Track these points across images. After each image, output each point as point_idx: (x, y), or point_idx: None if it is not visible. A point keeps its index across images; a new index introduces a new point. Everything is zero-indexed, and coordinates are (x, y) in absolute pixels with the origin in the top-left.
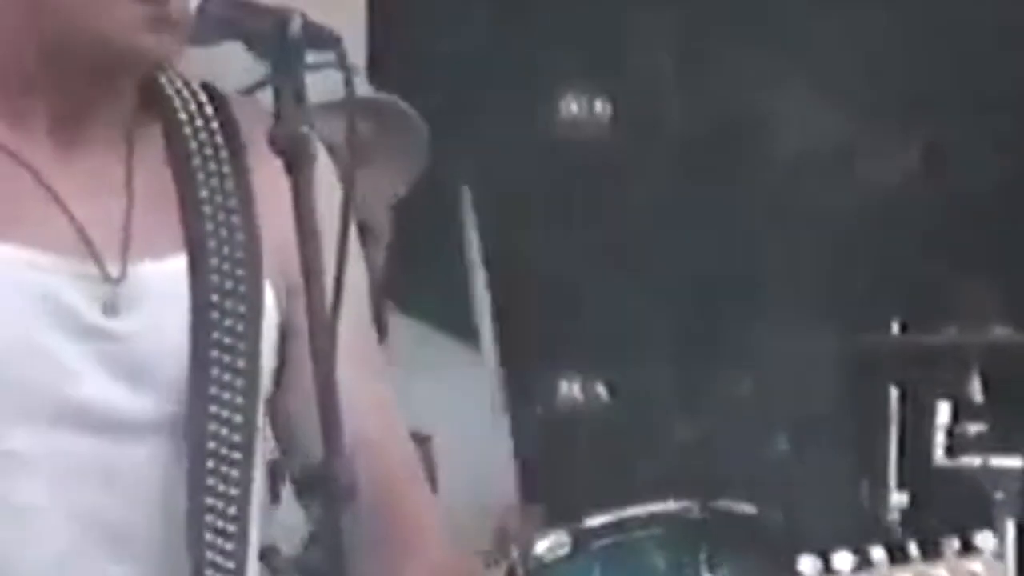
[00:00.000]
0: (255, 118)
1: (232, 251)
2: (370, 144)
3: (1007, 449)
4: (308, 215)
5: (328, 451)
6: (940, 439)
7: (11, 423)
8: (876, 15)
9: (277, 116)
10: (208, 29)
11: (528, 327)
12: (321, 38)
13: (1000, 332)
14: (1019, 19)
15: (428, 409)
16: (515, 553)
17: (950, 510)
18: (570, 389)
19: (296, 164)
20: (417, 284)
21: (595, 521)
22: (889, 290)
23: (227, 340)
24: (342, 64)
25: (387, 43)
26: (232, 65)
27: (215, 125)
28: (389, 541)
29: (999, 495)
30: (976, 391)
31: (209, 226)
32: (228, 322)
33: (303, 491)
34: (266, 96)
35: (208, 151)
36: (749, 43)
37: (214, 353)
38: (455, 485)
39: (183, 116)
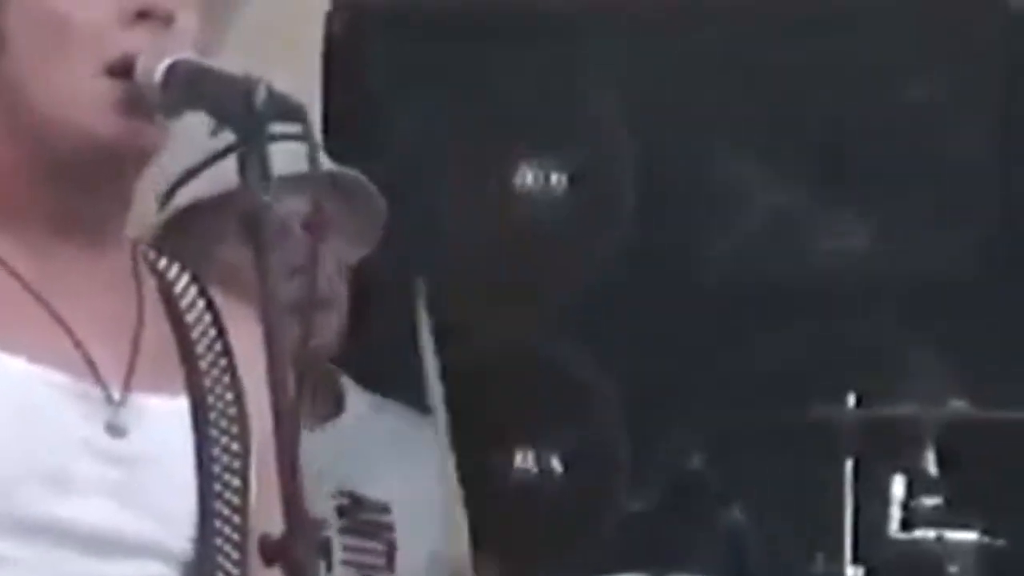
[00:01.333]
0: (232, 304)
1: (222, 397)
2: (331, 218)
3: (962, 523)
4: (270, 285)
5: (290, 527)
6: (895, 512)
7: (13, 534)
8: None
9: (247, 180)
10: (173, 98)
11: (483, 401)
12: (287, 109)
13: (956, 406)
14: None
15: (385, 477)
16: None
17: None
18: (524, 461)
19: (258, 234)
20: (371, 358)
21: None
22: (845, 363)
23: (226, 477)
24: (308, 137)
25: (343, 110)
26: (195, 132)
27: (195, 292)
28: None
29: (953, 569)
30: (931, 465)
31: (207, 380)
32: (226, 460)
33: (267, 563)
34: (229, 164)
35: (196, 312)
36: (703, 119)
37: (217, 487)
38: (410, 552)
39: (171, 277)
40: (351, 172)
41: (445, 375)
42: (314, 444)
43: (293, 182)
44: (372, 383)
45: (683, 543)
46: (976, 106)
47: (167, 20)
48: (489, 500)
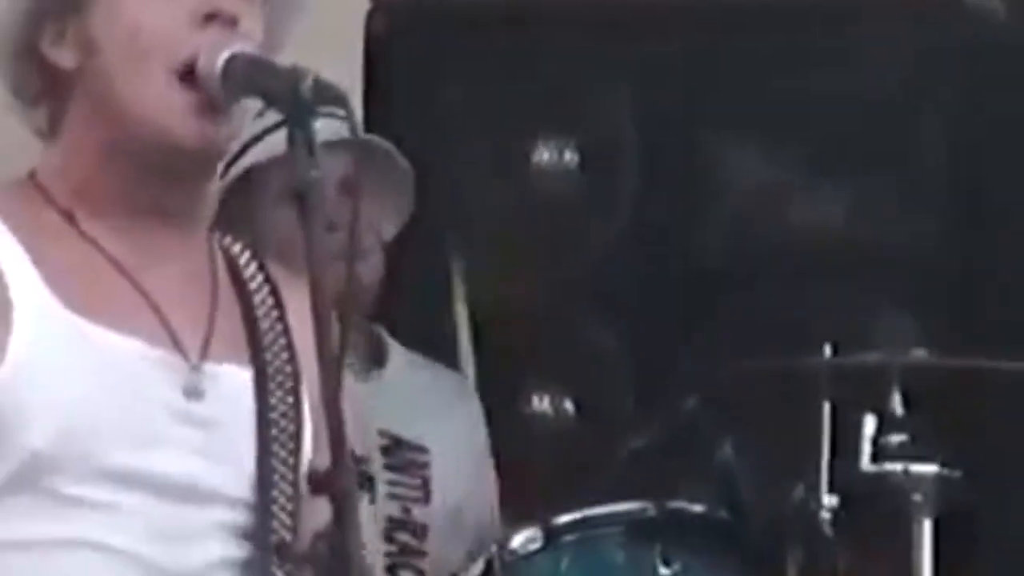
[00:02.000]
0: (291, 281)
1: (282, 369)
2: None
3: (924, 457)
4: (315, 245)
5: (334, 461)
6: (866, 448)
7: (104, 481)
8: (814, 85)
9: (291, 161)
10: (232, 86)
11: (507, 352)
12: (330, 95)
13: (918, 355)
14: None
15: (422, 423)
16: (494, 547)
17: (874, 510)
18: (541, 405)
19: (305, 202)
20: (409, 319)
21: (563, 519)
22: (822, 319)
23: (282, 436)
24: (350, 119)
25: (383, 101)
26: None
27: (256, 269)
28: None
29: (916, 497)
30: (897, 406)
31: (267, 354)
32: (281, 421)
33: (313, 491)
34: (277, 138)
35: (259, 290)
36: (696, 108)
37: (274, 445)
38: (445, 487)
39: (238, 258)
40: (385, 143)
41: (473, 330)
42: (363, 392)
43: (333, 147)
44: (410, 342)
45: (680, 476)
46: (935, 98)
47: (232, 22)
48: (510, 439)
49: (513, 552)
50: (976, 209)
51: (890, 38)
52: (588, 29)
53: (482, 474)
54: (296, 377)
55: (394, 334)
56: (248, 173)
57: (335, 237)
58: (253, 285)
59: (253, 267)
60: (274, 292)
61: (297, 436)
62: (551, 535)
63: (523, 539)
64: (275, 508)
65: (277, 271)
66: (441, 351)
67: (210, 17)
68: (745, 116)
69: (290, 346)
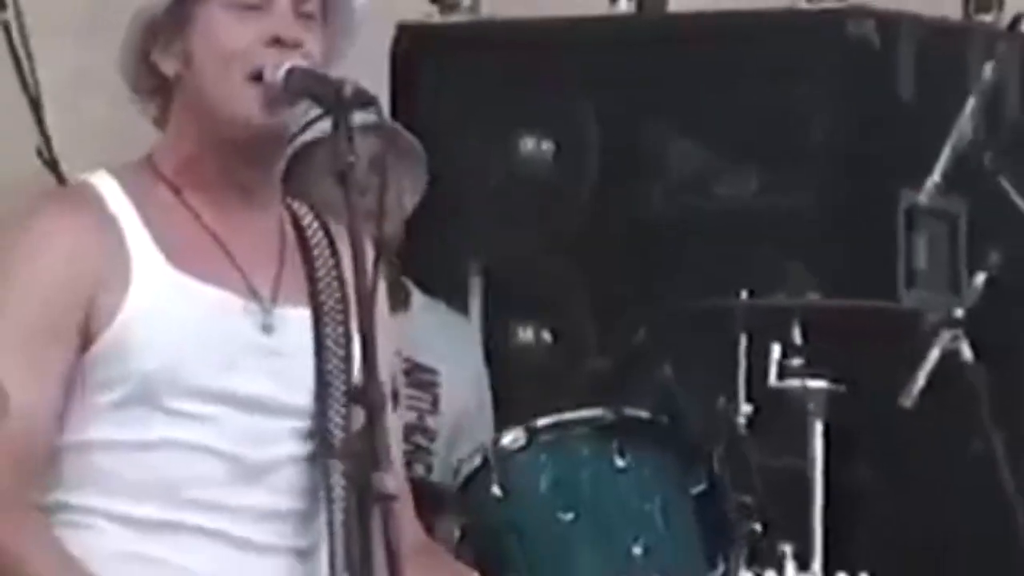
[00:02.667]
0: (340, 227)
1: (335, 307)
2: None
3: (817, 375)
4: (353, 210)
5: (366, 378)
6: (773, 369)
7: (200, 398)
8: (733, 91)
9: (336, 146)
10: (291, 91)
11: (497, 294)
12: (365, 98)
13: (812, 297)
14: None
15: (435, 351)
16: (488, 444)
17: (779, 416)
18: (525, 335)
19: (345, 180)
20: (425, 272)
21: (542, 423)
22: (739, 269)
23: (334, 360)
24: (379, 115)
25: (406, 102)
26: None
27: (320, 231)
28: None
29: (811, 406)
30: (797, 337)
31: (323, 296)
32: (334, 349)
33: (352, 402)
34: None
35: (319, 243)
36: (644, 109)
37: (329, 367)
38: (451, 402)
39: (303, 218)
40: (406, 133)
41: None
42: (392, 326)
43: (366, 131)
44: (427, 289)
45: (631, 391)
46: (822, 102)
47: (295, 44)
48: (503, 361)
49: (503, 448)
50: (853, 185)
51: (791, 57)
52: (562, 49)
53: (480, 392)
54: (346, 313)
55: (418, 284)
56: (301, 150)
57: (365, 200)
58: (314, 240)
59: (315, 225)
60: (331, 244)
61: (347, 359)
62: (532, 435)
63: (511, 438)
64: (331, 414)
65: (334, 227)
66: (451, 300)
67: (275, 40)
68: (681, 115)
69: (342, 288)
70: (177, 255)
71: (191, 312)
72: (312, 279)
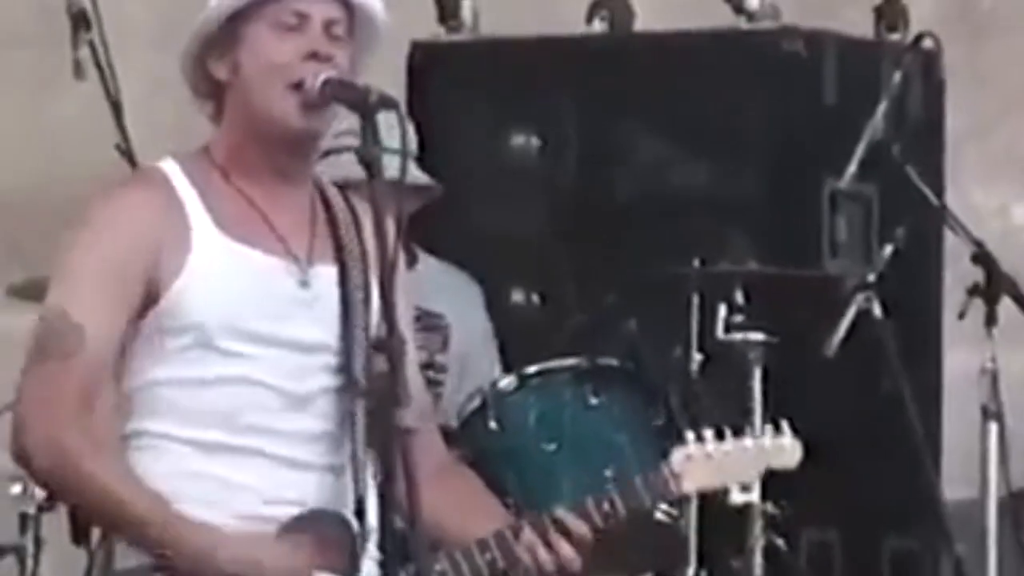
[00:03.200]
0: (365, 207)
1: (356, 265)
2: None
3: (756, 328)
4: (377, 192)
5: (388, 329)
6: (720, 324)
7: (250, 341)
8: (688, 95)
9: (363, 146)
10: (326, 97)
11: (493, 264)
12: (388, 102)
13: (751, 265)
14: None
15: (442, 304)
16: (486, 386)
17: (725, 363)
18: (518, 298)
19: (372, 171)
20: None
21: (530, 370)
22: (692, 242)
23: (359, 307)
24: (400, 117)
25: (420, 105)
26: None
27: (343, 203)
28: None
29: (752, 355)
30: (739, 297)
31: (346, 256)
32: (358, 299)
33: (375, 349)
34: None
35: (343, 214)
36: (615, 112)
37: (353, 314)
38: (458, 343)
39: (331, 196)
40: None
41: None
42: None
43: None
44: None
45: (603, 343)
46: (760, 105)
47: (328, 59)
48: (498, 321)
49: (498, 390)
50: (785, 173)
51: (734, 69)
52: (547, 62)
53: (485, 337)
54: (367, 270)
55: (431, 252)
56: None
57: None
58: (339, 211)
59: (340, 199)
60: (353, 214)
61: (367, 305)
62: (522, 380)
63: (505, 382)
64: (355, 350)
65: (356, 200)
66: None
67: (312, 55)
68: (645, 116)
69: (363, 249)
70: (228, 226)
71: (241, 271)
72: (338, 242)
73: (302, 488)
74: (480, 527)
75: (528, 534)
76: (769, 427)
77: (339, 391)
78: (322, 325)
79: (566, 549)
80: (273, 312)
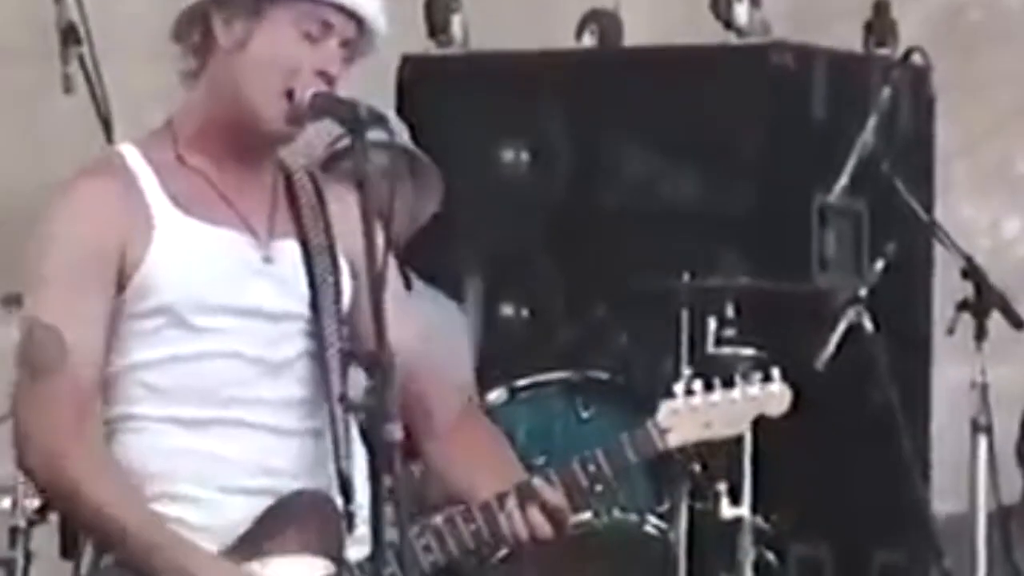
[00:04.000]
0: (334, 188)
1: (320, 242)
2: (403, 174)
3: (745, 344)
4: (370, 216)
5: (379, 344)
6: (710, 337)
7: (221, 315)
8: (677, 109)
9: (354, 159)
10: (315, 112)
11: (487, 277)
12: (377, 116)
13: (743, 280)
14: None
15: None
16: (476, 400)
17: (714, 377)
18: (508, 311)
19: (363, 184)
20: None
21: (520, 383)
22: (682, 255)
23: (326, 276)
24: (388, 132)
25: (409, 119)
26: (323, 128)
27: (309, 184)
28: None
29: (741, 369)
30: (730, 312)
31: (310, 232)
32: (324, 271)
33: (365, 366)
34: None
35: (306, 193)
36: (606, 125)
37: (320, 284)
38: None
39: (296, 178)
40: (422, 155)
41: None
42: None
43: (380, 146)
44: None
45: (593, 354)
46: (750, 120)
47: (332, 81)
48: (489, 332)
49: (488, 403)
50: (775, 187)
51: (724, 83)
52: (536, 76)
53: (464, 356)
54: (331, 245)
55: (417, 271)
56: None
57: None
58: (301, 188)
59: (305, 180)
60: (318, 192)
61: (335, 275)
62: (512, 393)
63: (495, 395)
64: (325, 319)
65: (323, 181)
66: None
67: (321, 73)
68: (635, 130)
69: (327, 225)
70: (189, 206)
71: (205, 249)
72: (299, 218)
73: (286, 455)
74: (489, 485)
75: (511, 502)
76: (758, 375)
77: (313, 355)
78: (289, 295)
79: (537, 517)
80: (240, 285)
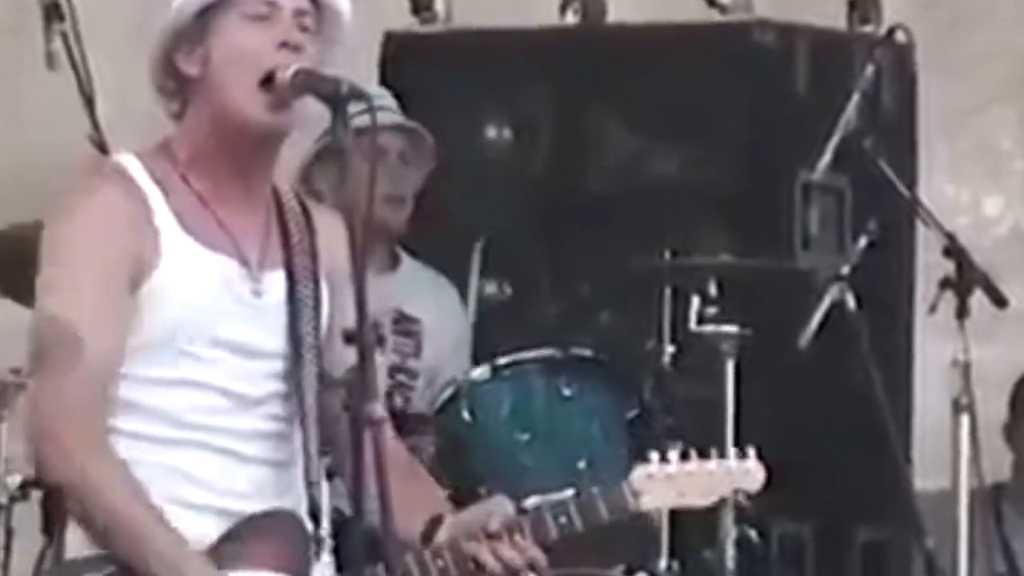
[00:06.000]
0: (321, 211)
1: (305, 271)
2: (404, 149)
3: (728, 321)
4: (349, 189)
5: (359, 324)
6: (693, 315)
7: (207, 345)
8: (660, 87)
9: (334, 137)
10: (297, 88)
11: (469, 256)
12: (359, 94)
13: (724, 257)
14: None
15: (420, 308)
16: (460, 377)
17: (698, 355)
18: (491, 288)
19: (343, 158)
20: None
21: (503, 360)
22: (664, 233)
23: (307, 311)
24: (370, 108)
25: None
26: (310, 108)
27: (298, 208)
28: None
29: (724, 347)
30: (712, 289)
31: (296, 262)
32: (307, 303)
33: (346, 343)
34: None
35: (296, 220)
36: (585, 99)
37: (302, 320)
38: (431, 345)
39: (285, 200)
40: (415, 124)
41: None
42: (384, 284)
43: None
44: (411, 250)
45: (576, 332)
46: (733, 98)
47: (298, 48)
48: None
49: (471, 381)
50: (758, 165)
51: (708, 61)
52: (520, 53)
53: (459, 345)
54: (316, 275)
55: (413, 254)
56: (316, 155)
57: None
58: (291, 215)
59: (294, 202)
60: (307, 216)
61: (316, 312)
62: (495, 370)
63: (478, 373)
64: (304, 357)
65: (312, 205)
66: (432, 258)
67: (283, 44)
68: (619, 107)
69: (314, 253)
70: (191, 228)
71: (204, 275)
72: (287, 246)
73: (252, 481)
74: (420, 520)
75: (472, 546)
76: (734, 451)
77: (288, 394)
78: (272, 333)
79: (509, 554)
80: (228, 318)
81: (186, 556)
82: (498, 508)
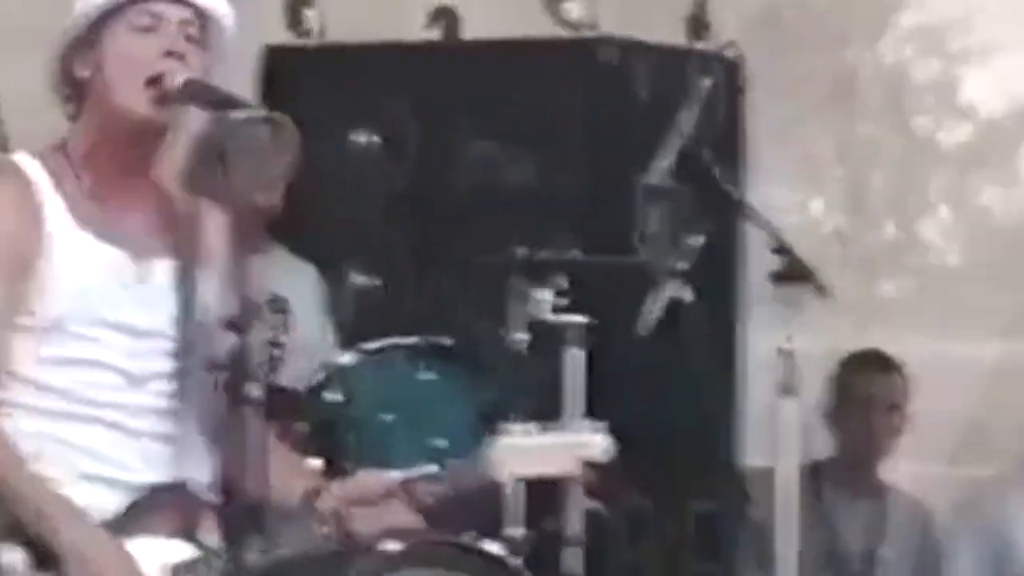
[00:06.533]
0: (202, 201)
1: (192, 258)
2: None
3: (576, 311)
4: (233, 184)
5: (241, 308)
6: (546, 307)
7: (95, 326)
8: (514, 97)
9: (220, 138)
10: (185, 97)
11: (341, 248)
12: (239, 102)
13: (574, 253)
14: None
15: (285, 289)
16: (331, 362)
17: (550, 342)
18: (361, 280)
19: (225, 158)
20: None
21: (370, 346)
22: (517, 231)
23: (191, 297)
24: (252, 108)
25: (270, 106)
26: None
27: (183, 199)
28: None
29: (570, 335)
30: (563, 283)
31: (182, 249)
32: (192, 288)
33: (226, 328)
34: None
35: (182, 212)
36: (448, 110)
37: (188, 303)
38: (298, 322)
39: (175, 193)
40: (283, 116)
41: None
42: (257, 264)
43: (250, 121)
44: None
45: (438, 322)
46: (582, 108)
47: (183, 57)
48: (343, 303)
49: (342, 365)
50: (603, 170)
51: (556, 75)
52: (387, 66)
53: (323, 323)
54: (198, 260)
55: (278, 239)
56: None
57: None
58: (177, 205)
59: (179, 194)
60: (190, 206)
61: (199, 294)
62: (364, 356)
63: (348, 358)
64: (191, 338)
65: (193, 196)
66: (303, 253)
67: (168, 53)
68: (476, 116)
69: (197, 240)
70: (82, 221)
71: (93, 264)
72: (173, 235)
73: (142, 454)
74: (298, 491)
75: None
76: (587, 422)
77: (177, 371)
78: (159, 313)
79: (389, 519)
80: (113, 301)
81: (59, 503)
82: (374, 478)
